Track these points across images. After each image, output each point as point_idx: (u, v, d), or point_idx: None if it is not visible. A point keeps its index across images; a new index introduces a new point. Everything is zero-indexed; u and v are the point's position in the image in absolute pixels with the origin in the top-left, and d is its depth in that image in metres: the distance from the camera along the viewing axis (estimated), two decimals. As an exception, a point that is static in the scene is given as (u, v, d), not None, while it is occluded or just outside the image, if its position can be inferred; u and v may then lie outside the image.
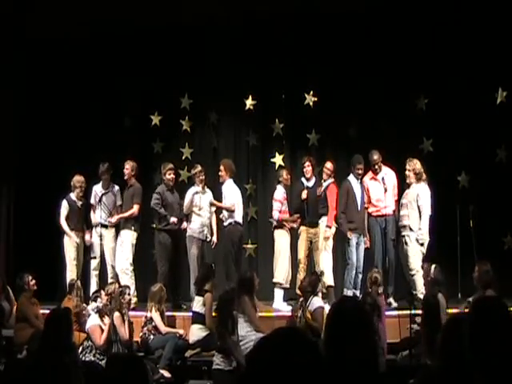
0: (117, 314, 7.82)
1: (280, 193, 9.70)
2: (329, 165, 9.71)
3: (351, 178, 9.53)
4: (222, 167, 9.72)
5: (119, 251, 9.66)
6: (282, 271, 9.48)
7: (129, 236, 9.67)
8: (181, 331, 8.27)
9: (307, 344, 1.88)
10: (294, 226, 9.69)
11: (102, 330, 7.78)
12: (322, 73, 10.72)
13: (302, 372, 1.81)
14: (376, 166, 9.47)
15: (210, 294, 8.32)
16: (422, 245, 9.07)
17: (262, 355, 1.85)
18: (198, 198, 9.67)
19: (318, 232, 9.58)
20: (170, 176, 9.71)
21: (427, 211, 9.12)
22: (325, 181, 9.68)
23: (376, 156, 9.46)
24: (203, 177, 9.76)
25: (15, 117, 10.88)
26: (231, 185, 9.70)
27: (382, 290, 8.18)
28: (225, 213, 9.63)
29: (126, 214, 9.69)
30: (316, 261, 9.60)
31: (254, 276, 8.37)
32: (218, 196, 9.89)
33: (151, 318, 8.24)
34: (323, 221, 9.56)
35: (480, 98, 10.32)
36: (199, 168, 9.78)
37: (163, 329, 8.20)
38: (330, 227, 9.45)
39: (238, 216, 9.64)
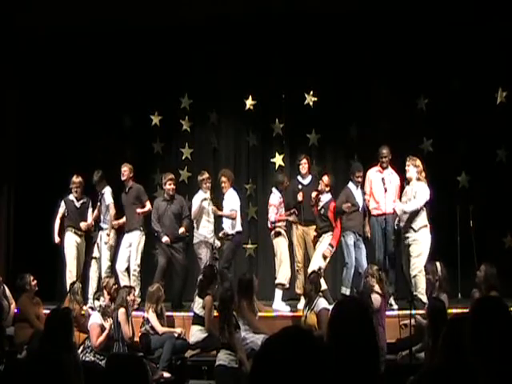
0: (122, 311, 7.80)
1: (276, 198, 9.63)
2: (325, 178, 9.52)
3: (351, 185, 9.45)
4: (224, 178, 9.67)
5: (125, 252, 9.66)
6: (284, 273, 9.46)
7: (137, 237, 9.68)
8: (178, 330, 8.25)
9: (314, 343, 1.88)
10: (291, 218, 9.60)
11: (102, 330, 7.77)
12: (322, 73, 10.73)
13: (308, 371, 1.81)
14: (384, 160, 9.41)
15: (210, 297, 8.29)
16: (397, 226, 9.01)
17: (269, 355, 1.85)
18: (207, 204, 9.67)
19: (311, 232, 9.57)
20: (170, 186, 9.71)
21: (419, 202, 8.85)
22: (321, 193, 9.54)
23: (385, 150, 9.42)
24: (210, 184, 9.73)
25: (15, 117, 10.88)
26: (233, 194, 9.73)
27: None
28: (229, 224, 9.60)
29: (146, 209, 9.72)
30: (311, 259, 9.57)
31: (254, 278, 8.37)
32: (218, 201, 9.88)
33: (148, 319, 8.23)
34: (324, 237, 9.37)
35: (480, 97, 10.33)
36: (206, 175, 9.75)
37: (160, 329, 8.16)
38: (332, 246, 9.27)
39: (239, 225, 9.67)
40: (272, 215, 9.54)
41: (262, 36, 10.70)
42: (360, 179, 9.42)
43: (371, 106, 10.57)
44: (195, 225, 9.69)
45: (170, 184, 9.73)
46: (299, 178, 9.81)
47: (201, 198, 9.64)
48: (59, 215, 9.81)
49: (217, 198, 9.95)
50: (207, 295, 8.32)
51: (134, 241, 9.68)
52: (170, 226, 9.66)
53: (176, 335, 8.11)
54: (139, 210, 9.71)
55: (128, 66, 10.85)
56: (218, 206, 9.78)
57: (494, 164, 10.46)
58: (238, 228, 9.67)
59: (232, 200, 9.68)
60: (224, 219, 9.71)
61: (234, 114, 11.30)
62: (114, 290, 8.39)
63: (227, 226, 9.64)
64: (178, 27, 10.72)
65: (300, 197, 9.55)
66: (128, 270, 9.66)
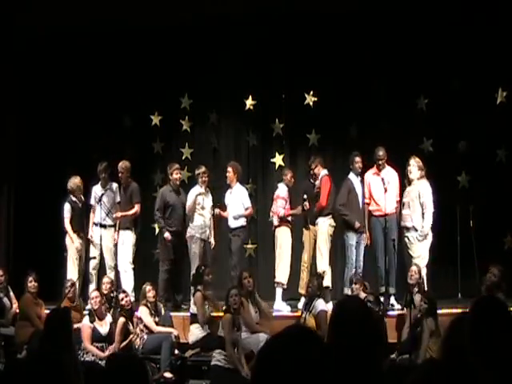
0: (121, 320, 7.92)
1: (283, 190, 9.64)
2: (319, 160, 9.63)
3: (352, 176, 9.47)
4: (230, 169, 9.65)
5: (120, 251, 9.67)
6: (284, 271, 9.44)
7: (129, 236, 9.68)
8: (175, 332, 8.19)
9: (316, 343, 1.87)
10: (300, 211, 9.59)
11: (92, 331, 7.87)
12: (322, 73, 10.72)
13: (311, 371, 1.81)
14: (380, 162, 9.38)
15: (200, 293, 8.36)
16: (420, 241, 9.00)
17: (272, 354, 1.85)
18: (201, 198, 9.66)
19: (317, 231, 9.55)
20: (176, 175, 9.72)
21: (430, 208, 9.02)
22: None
23: (381, 152, 9.35)
24: (206, 178, 9.71)
25: (15, 117, 10.89)
26: (242, 188, 9.68)
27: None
28: (237, 215, 9.57)
29: (130, 213, 9.69)
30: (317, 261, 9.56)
31: (242, 274, 8.41)
32: (218, 198, 9.91)
33: (141, 318, 8.23)
34: (320, 221, 9.42)
35: (480, 97, 10.32)
36: (203, 169, 9.74)
37: (154, 328, 8.15)
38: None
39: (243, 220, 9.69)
40: (281, 209, 9.48)
41: (262, 36, 10.69)
42: (360, 164, 9.40)
43: (371, 106, 10.57)
44: (190, 219, 9.67)
45: (176, 173, 9.72)
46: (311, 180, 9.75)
47: (196, 193, 9.62)
48: (68, 219, 9.63)
49: (215, 192, 9.97)
50: (197, 291, 8.38)
51: (126, 239, 9.67)
52: (180, 218, 9.68)
53: (174, 336, 8.08)
54: (118, 215, 9.63)
55: (128, 66, 10.85)
56: (220, 206, 9.78)
57: (494, 164, 10.45)
58: (243, 222, 9.62)
59: (242, 196, 9.61)
60: (230, 213, 9.61)
61: (233, 114, 11.30)
62: (108, 288, 8.56)
63: (233, 220, 9.57)
64: (178, 27, 10.72)
65: (306, 206, 9.47)
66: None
